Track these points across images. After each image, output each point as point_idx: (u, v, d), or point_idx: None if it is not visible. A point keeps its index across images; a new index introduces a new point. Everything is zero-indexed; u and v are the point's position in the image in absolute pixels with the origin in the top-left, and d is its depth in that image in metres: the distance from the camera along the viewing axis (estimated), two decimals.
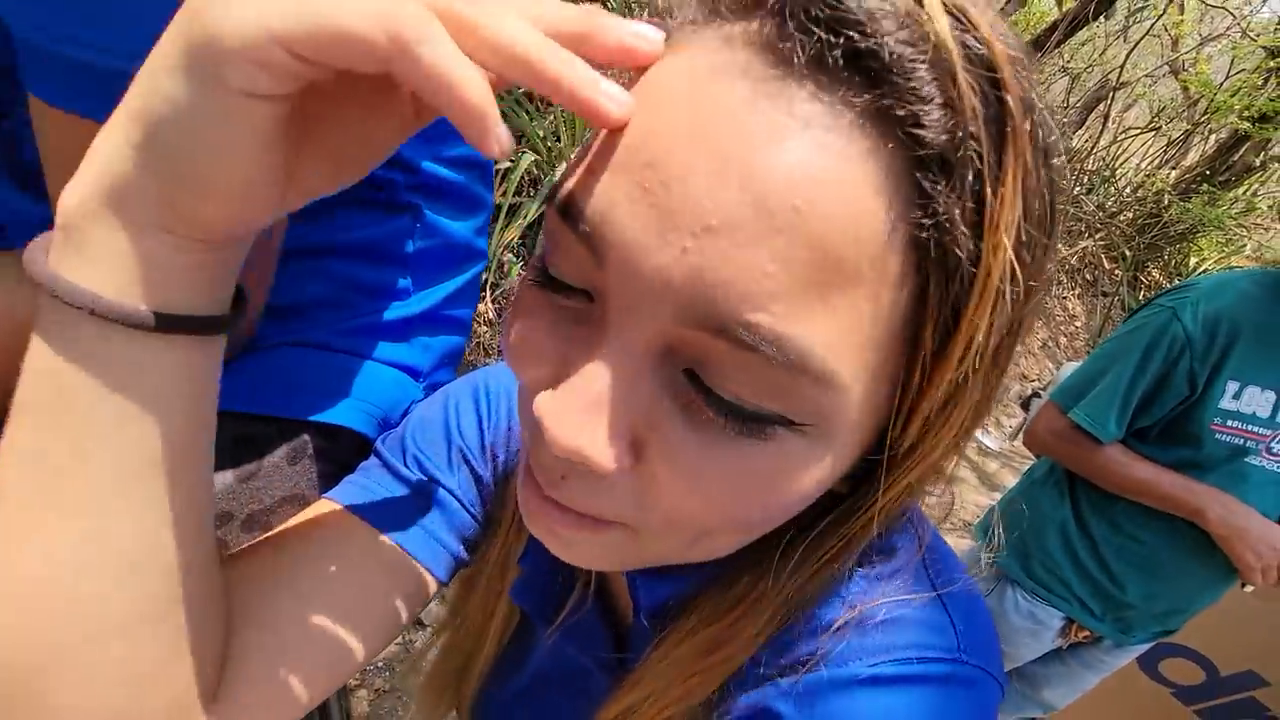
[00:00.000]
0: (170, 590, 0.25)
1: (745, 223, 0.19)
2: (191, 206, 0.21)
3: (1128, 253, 4.64)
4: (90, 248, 0.21)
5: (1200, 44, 5.15)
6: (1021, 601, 1.07)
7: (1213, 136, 5.17)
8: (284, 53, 0.18)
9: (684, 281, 0.20)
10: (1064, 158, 0.23)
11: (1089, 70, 5.21)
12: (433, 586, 0.40)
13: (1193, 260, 5.15)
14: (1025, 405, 1.88)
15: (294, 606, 0.33)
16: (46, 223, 0.41)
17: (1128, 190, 5.03)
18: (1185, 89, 5.08)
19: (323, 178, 0.22)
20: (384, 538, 0.38)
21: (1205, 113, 4.77)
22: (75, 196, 0.21)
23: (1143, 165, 5.34)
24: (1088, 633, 1.07)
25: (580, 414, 0.22)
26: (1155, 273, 5.05)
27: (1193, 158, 5.28)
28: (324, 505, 0.39)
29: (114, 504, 0.23)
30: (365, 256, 0.45)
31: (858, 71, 0.20)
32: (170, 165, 0.20)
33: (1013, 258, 0.21)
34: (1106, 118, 4.71)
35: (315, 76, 0.19)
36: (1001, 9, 3.33)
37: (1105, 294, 4.73)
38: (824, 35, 0.20)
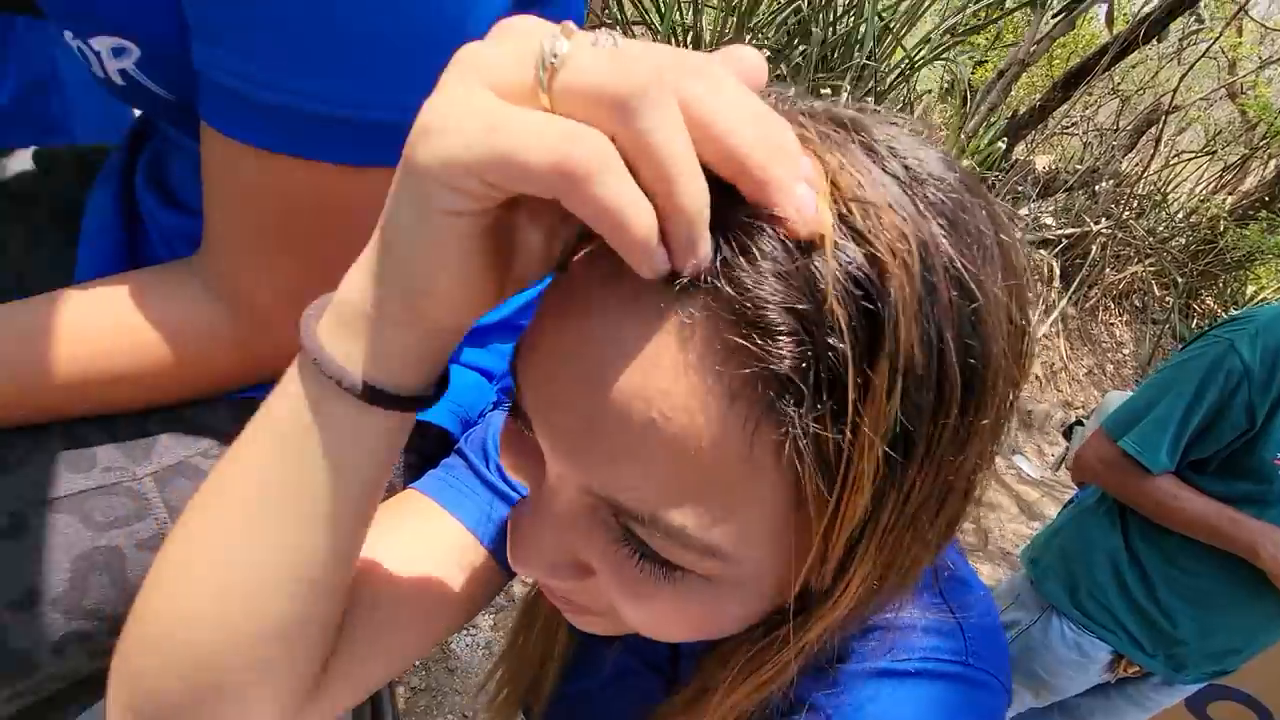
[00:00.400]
0: (328, 603, 0.29)
1: (618, 432, 0.22)
2: (423, 307, 0.23)
3: (1179, 279, 4.50)
4: (351, 333, 0.24)
5: (1260, 67, 5.00)
6: (1068, 632, 1.05)
7: (1272, 162, 4.99)
8: (474, 179, 0.19)
9: (577, 467, 0.24)
10: (1006, 315, 0.24)
11: (1140, 93, 5.10)
12: (501, 582, 0.43)
13: (1250, 289, 4.96)
14: (1067, 434, 1.84)
15: (379, 585, 0.36)
16: (186, 234, 0.46)
17: (1180, 215, 4.88)
18: (1243, 112, 4.92)
19: (530, 269, 0.24)
20: (465, 531, 0.41)
21: (1265, 137, 4.62)
22: (350, 289, 0.24)
23: (1197, 190, 5.18)
24: (1137, 668, 1.04)
25: (531, 544, 0.27)
26: (1209, 300, 4.87)
27: (1251, 183, 5.10)
28: (412, 494, 0.42)
29: (318, 534, 0.27)
30: None
31: (725, 302, 0.21)
32: (403, 275, 0.23)
33: (883, 454, 0.22)
34: (1158, 141, 4.60)
35: (506, 196, 0.20)
36: (1049, 33, 3.29)
37: (1155, 321, 4.58)
38: (712, 268, 0.21)
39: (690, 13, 2.51)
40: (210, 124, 0.34)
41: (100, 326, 0.37)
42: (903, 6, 2.64)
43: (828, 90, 2.54)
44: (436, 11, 0.31)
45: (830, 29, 2.53)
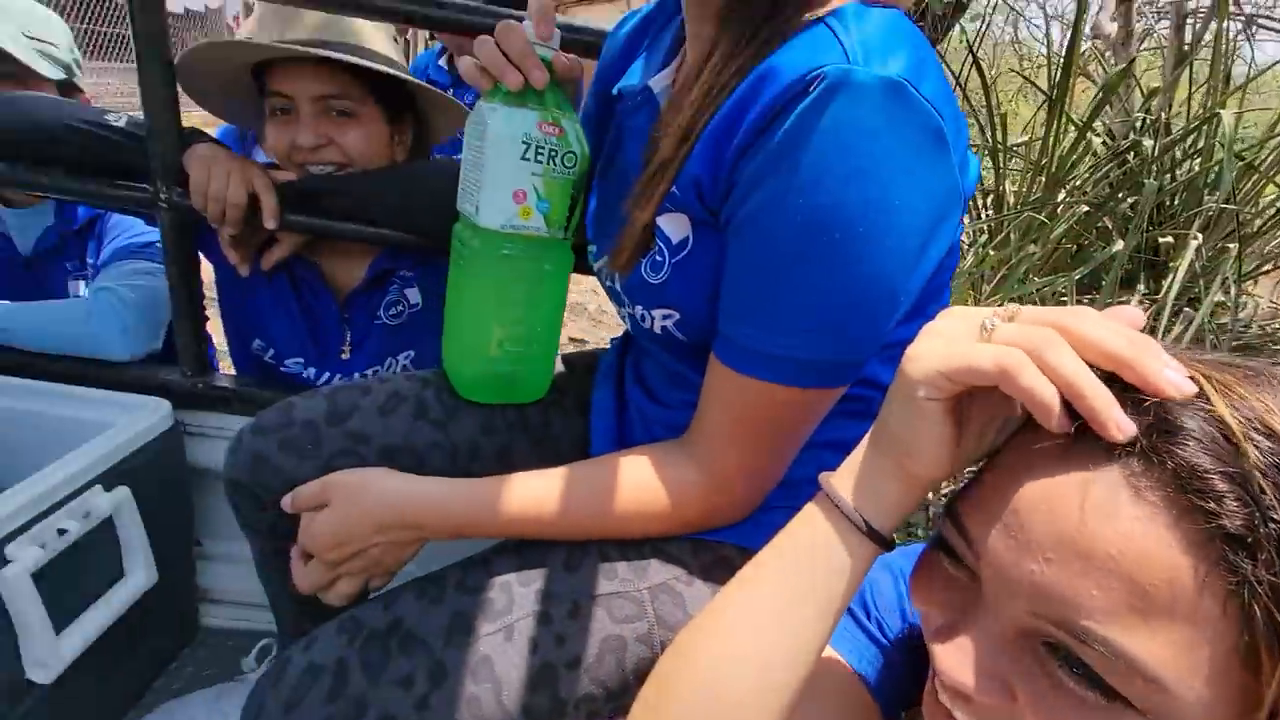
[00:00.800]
0: (801, 693, 0.39)
1: (1075, 560, 0.29)
2: (908, 465, 0.36)
3: None
4: (857, 486, 0.38)
5: None
6: None
7: None
8: (945, 379, 0.32)
9: (1033, 592, 0.30)
10: None
11: None
12: None
13: None
14: None
15: None
16: (663, 421, 0.66)
17: None
18: None
19: (977, 444, 0.36)
20: (852, 670, 0.49)
21: None
22: (857, 457, 0.39)
23: None
24: None
25: (965, 664, 0.33)
26: None
27: None
28: None
29: (813, 625, 0.38)
30: (845, 450, 0.62)
31: (1169, 472, 0.27)
32: (895, 444, 0.36)
33: None
34: None
35: (963, 389, 0.33)
36: None
37: None
38: (1144, 446, 0.28)
39: (993, 178, 2.54)
40: (722, 361, 0.53)
41: (626, 482, 0.57)
42: (1273, 142, 2.31)
43: (1169, 238, 2.28)
44: (875, 302, 0.48)
45: (1168, 176, 2.32)
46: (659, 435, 0.66)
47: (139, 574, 0.83)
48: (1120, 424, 0.29)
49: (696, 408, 0.57)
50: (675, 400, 0.65)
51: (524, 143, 0.58)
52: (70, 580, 0.74)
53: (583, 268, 0.73)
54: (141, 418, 0.85)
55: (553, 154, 0.59)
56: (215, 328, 1.07)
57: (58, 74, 0.99)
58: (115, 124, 0.80)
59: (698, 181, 0.50)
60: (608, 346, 0.84)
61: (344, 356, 1.05)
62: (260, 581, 0.77)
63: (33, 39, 0.96)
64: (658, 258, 0.55)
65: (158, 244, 1.01)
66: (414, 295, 1.05)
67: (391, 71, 0.86)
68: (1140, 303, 1.95)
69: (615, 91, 0.65)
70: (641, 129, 0.61)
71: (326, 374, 1.05)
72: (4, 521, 0.67)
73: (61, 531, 0.72)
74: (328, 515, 0.57)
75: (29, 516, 0.69)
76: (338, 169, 0.89)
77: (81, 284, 1.05)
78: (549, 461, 0.61)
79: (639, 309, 0.60)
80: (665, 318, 0.58)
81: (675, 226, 0.54)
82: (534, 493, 0.57)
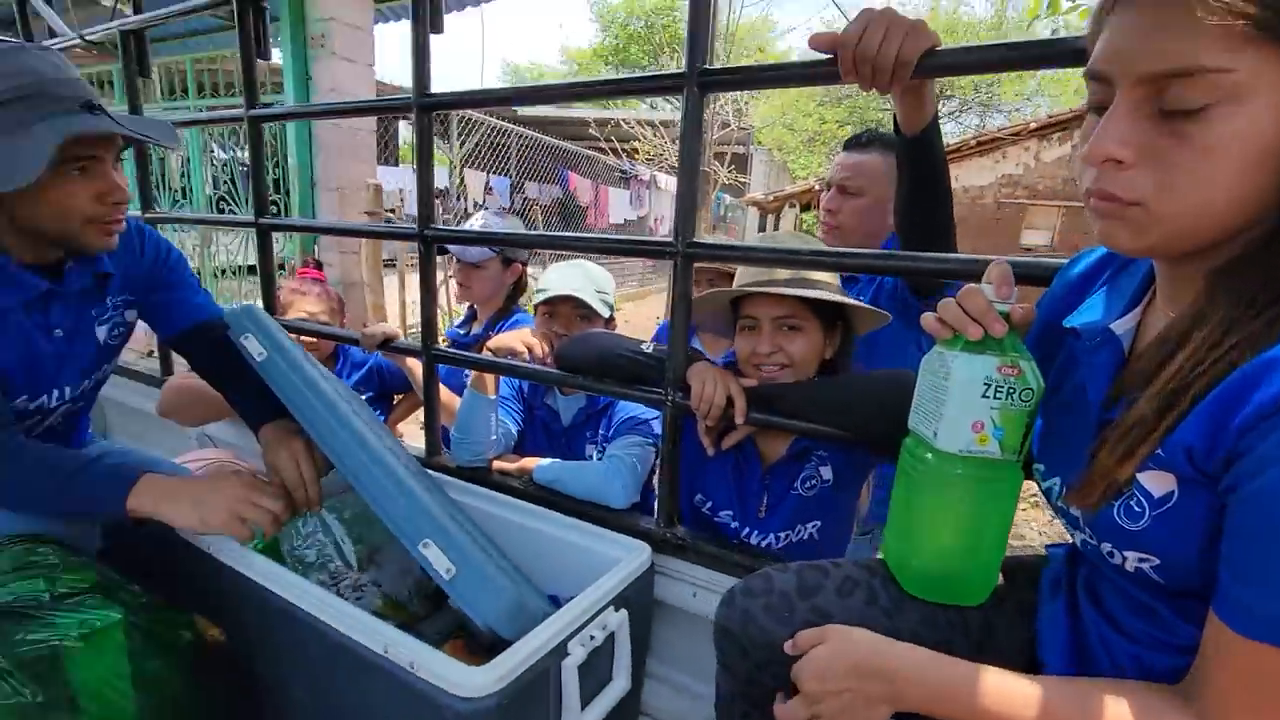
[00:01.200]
0: None
1: None
2: None
3: None
4: None
5: None
6: None
7: None
8: None
9: None
10: None
11: None
12: None
13: None
14: None
15: None
16: (1128, 654, 0.63)
17: None
18: None
19: None
20: None
21: None
22: None
23: None
24: None
25: None
26: None
27: None
28: None
29: None
30: None
31: None
32: None
33: None
34: None
35: None
36: None
37: None
38: None
39: None
40: (1235, 629, 0.50)
41: (1120, 717, 0.56)
42: None
43: None
44: None
45: None
46: (1126, 669, 0.63)
47: (621, 681, 1.08)
48: None
49: (1196, 662, 0.55)
50: (1142, 634, 0.62)
51: (985, 383, 0.68)
52: (588, 677, 1.02)
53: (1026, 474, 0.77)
54: (636, 556, 1.15)
55: (1010, 391, 0.68)
56: None
57: (607, 313, 1.52)
58: (645, 350, 1.19)
59: (1189, 449, 0.52)
60: (1045, 553, 0.83)
61: (761, 515, 1.25)
62: (717, 714, 0.93)
63: (599, 292, 1.50)
64: (1134, 506, 0.57)
65: (648, 423, 1.40)
66: (827, 473, 1.21)
67: (832, 297, 1.09)
68: None
69: (1068, 325, 0.71)
70: (1103, 366, 0.65)
71: (747, 528, 1.26)
72: (570, 624, 0.98)
73: (592, 638, 1.01)
74: (821, 649, 0.69)
75: (579, 624, 1.00)
76: (781, 369, 1.13)
77: (593, 448, 1.49)
78: (991, 665, 0.63)
79: (1106, 545, 0.61)
80: (1141, 560, 0.58)
81: (1157, 483, 0.55)
82: (1013, 690, 0.59)
